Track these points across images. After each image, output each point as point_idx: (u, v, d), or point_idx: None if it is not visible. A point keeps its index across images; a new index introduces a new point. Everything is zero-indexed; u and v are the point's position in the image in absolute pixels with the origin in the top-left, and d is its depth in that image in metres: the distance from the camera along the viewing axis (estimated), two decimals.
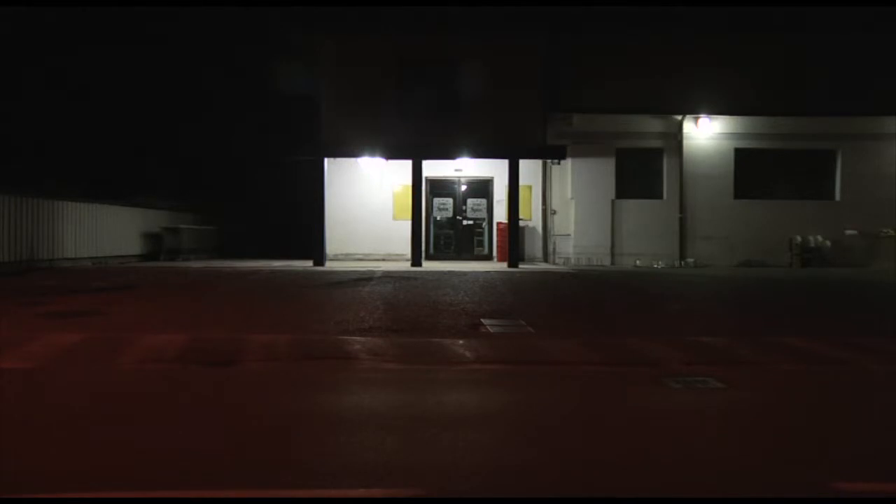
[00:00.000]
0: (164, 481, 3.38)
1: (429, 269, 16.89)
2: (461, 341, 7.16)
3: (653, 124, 20.26)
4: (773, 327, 8.67)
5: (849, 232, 20.14)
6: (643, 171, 20.33)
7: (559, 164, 20.01)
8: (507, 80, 19.38)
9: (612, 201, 20.11)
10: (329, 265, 18.27)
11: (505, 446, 4.10)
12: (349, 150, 19.10)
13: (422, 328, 7.99)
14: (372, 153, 19.24)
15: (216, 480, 3.41)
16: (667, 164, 20.33)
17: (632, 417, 4.76)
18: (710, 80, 19.74)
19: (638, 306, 11.24)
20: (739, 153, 20.47)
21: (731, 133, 20.45)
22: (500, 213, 20.09)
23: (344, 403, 5.08)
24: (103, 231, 19.51)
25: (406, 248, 18.80)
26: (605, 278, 15.84)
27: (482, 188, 20.97)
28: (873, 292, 13.93)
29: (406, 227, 18.90)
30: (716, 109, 20.09)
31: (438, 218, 21.08)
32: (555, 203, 20.39)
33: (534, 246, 20.51)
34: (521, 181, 18.91)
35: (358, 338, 7.26)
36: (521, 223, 19.53)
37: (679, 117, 20.20)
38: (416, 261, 18.33)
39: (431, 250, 20.74)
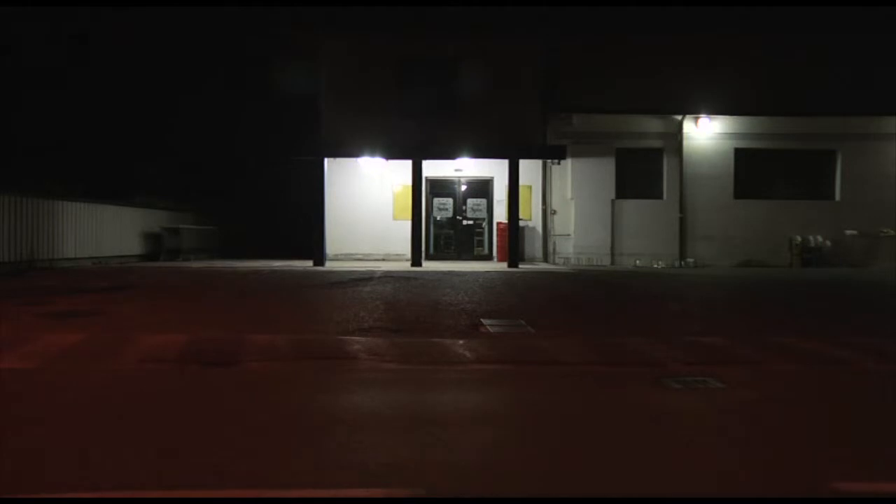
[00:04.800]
0: (164, 481, 3.39)
1: (429, 269, 16.89)
2: (461, 341, 7.16)
3: (653, 124, 20.26)
4: (773, 327, 8.67)
5: (849, 232, 20.13)
6: (643, 171, 20.33)
7: (559, 164, 20.01)
8: (507, 80, 19.38)
9: (612, 201, 20.11)
10: (329, 265, 18.27)
11: (505, 446, 4.10)
12: (349, 150, 19.10)
13: (422, 328, 7.99)
14: (372, 153, 19.24)
15: (216, 480, 3.42)
16: (667, 164, 20.33)
17: (632, 417, 4.76)
18: (710, 80, 19.72)
19: (638, 306, 11.24)
20: (739, 153, 20.47)
21: (731, 133, 20.45)
22: (500, 213, 20.09)
23: (344, 403, 5.08)
24: (103, 231, 19.51)
25: (406, 248, 18.80)
26: (605, 278, 15.84)
27: (482, 188, 20.96)
28: (873, 292, 13.93)
29: (406, 227, 18.90)
30: (716, 109, 20.09)
31: (438, 218, 21.07)
32: (555, 203, 20.39)
33: (534, 246, 20.51)
34: (521, 181, 18.90)
35: (358, 338, 7.27)
36: (521, 223, 19.52)
37: (679, 117, 20.20)
38: (416, 261, 18.33)
39: (431, 250, 20.74)
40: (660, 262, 19.77)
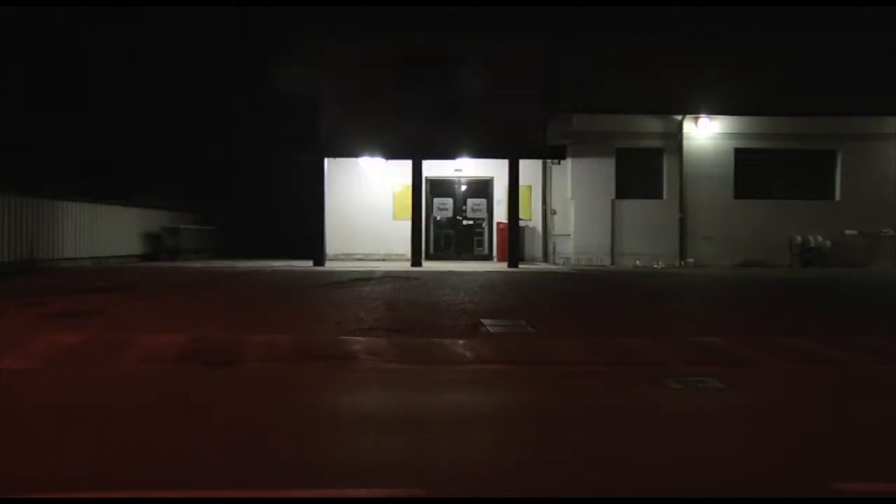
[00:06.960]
0: (165, 481, 3.38)
1: (429, 269, 16.89)
2: (462, 341, 7.16)
3: (653, 124, 20.24)
4: (774, 327, 8.67)
5: (849, 232, 20.13)
6: (643, 171, 20.31)
7: (559, 164, 20.01)
8: (507, 80, 19.34)
9: (612, 201, 20.10)
10: (329, 265, 18.27)
11: (505, 446, 4.10)
12: (349, 150, 19.10)
13: (422, 328, 7.99)
14: (372, 153, 19.24)
15: (217, 480, 3.42)
16: (667, 164, 20.32)
17: (632, 417, 4.76)
18: (710, 80, 19.71)
19: (638, 306, 11.24)
20: (739, 153, 20.46)
21: (731, 133, 20.44)
22: (500, 213, 20.08)
23: (345, 403, 5.08)
24: (103, 231, 19.49)
25: (406, 248, 18.79)
26: (606, 278, 15.84)
27: (482, 188, 20.96)
28: (873, 292, 13.93)
29: (406, 227, 18.89)
30: (716, 109, 20.08)
31: (438, 218, 21.06)
32: (555, 203, 20.38)
33: (534, 246, 20.50)
34: (521, 181, 18.90)
35: (359, 338, 7.26)
36: (521, 223, 19.51)
37: (679, 117, 20.19)
38: (416, 261, 18.32)
39: (431, 250, 20.73)
40: (660, 262, 19.76)
